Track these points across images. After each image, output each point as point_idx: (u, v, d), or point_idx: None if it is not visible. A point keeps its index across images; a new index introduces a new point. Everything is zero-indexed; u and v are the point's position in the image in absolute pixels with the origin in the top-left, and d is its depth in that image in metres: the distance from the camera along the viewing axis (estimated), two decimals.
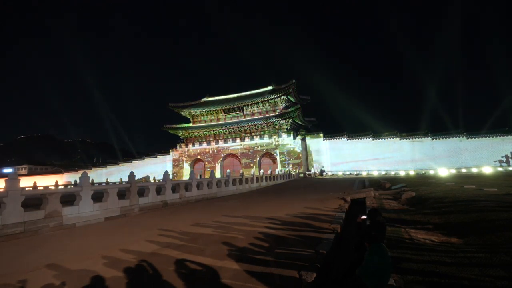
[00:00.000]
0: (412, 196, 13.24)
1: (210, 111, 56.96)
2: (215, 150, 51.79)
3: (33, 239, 8.07)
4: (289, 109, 48.29)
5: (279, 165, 45.95)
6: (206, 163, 52.43)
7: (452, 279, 3.97)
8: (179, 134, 58.58)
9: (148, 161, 60.41)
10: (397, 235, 6.65)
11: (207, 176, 45.49)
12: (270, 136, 48.02)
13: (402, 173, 36.12)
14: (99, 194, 11.56)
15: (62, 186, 37.14)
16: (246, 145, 49.14)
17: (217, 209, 12.81)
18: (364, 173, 39.72)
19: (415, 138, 41.67)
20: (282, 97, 50.30)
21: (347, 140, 45.23)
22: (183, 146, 55.52)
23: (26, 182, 31.96)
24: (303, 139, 47.03)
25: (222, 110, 55.85)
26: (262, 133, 50.48)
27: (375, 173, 39.01)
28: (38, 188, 26.14)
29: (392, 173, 38.55)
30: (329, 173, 43.62)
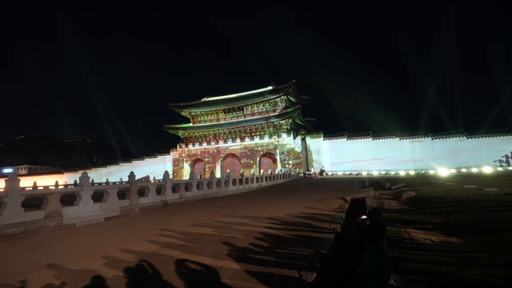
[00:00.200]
0: (412, 196, 13.24)
1: (210, 111, 56.95)
2: (215, 150, 51.78)
3: (33, 239, 8.07)
4: (289, 109, 48.27)
5: (279, 165, 45.95)
6: (206, 163, 52.42)
7: (452, 279, 3.97)
8: (179, 134, 58.58)
9: (148, 161, 60.40)
10: (397, 235, 6.65)
11: (207, 176, 45.50)
12: (270, 136, 48.02)
13: (402, 173, 36.12)
14: (99, 194, 11.57)
15: (62, 186, 37.14)
16: (246, 145, 49.14)
17: (217, 209, 12.81)
18: (364, 173, 39.71)
19: (415, 138, 41.66)
20: (282, 97, 50.28)
21: (347, 140, 45.22)
22: (183, 146, 55.51)
23: (26, 182, 31.95)
24: (303, 139, 47.02)
25: (222, 110, 55.84)
26: (262, 133, 50.47)
27: (375, 173, 39.00)
28: (38, 188, 26.14)
29: (392, 173, 38.55)
30: (329, 173, 43.61)
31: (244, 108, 54.01)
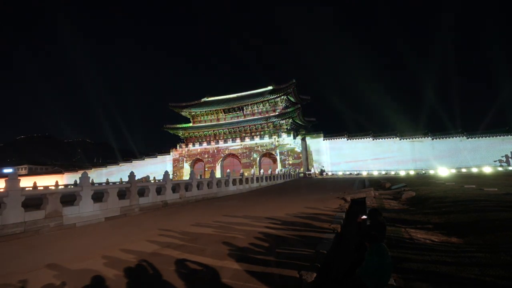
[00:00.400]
0: (412, 196, 13.24)
1: (210, 111, 56.96)
2: (215, 150, 51.79)
3: (33, 239, 8.08)
4: (289, 109, 48.28)
5: (279, 165, 45.95)
6: (206, 163, 52.42)
7: (452, 279, 3.97)
8: (179, 134, 58.59)
9: (148, 161, 60.41)
10: (397, 235, 6.65)
11: (207, 176, 45.49)
12: (270, 136, 48.02)
13: (402, 173, 36.12)
14: (99, 194, 11.57)
15: (62, 186, 37.14)
16: (246, 145, 49.14)
17: (217, 209, 12.81)
18: (364, 173, 39.71)
19: (415, 138, 41.66)
20: (282, 97, 50.28)
21: (347, 140, 45.22)
22: (183, 146, 55.52)
23: (26, 182, 31.95)
24: (303, 139, 47.02)
25: (222, 110, 55.84)
26: (262, 133, 50.48)
27: (375, 173, 39.00)
28: (38, 188, 26.14)
29: (392, 173, 38.55)
30: (329, 173, 43.60)
31: (244, 108, 54.01)
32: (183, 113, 59.51)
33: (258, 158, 48.19)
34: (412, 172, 36.28)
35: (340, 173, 43.07)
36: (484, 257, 4.75)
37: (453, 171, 33.94)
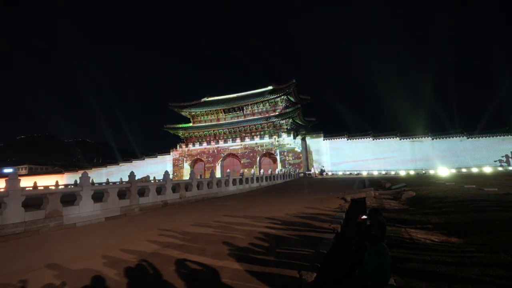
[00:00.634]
0: (412, 196, 13.23)
1: (210, 111, 56.96)
2: (215, 150, 51.78)
3: (33, 239, 8.08)
4: (289, 109, 48.28)
5: (279, 165, 45.94)
6: (206, 163, 52.41)
7: (452, 279, 3.98)
8: (179, 134, 58.60)
9: (148, 161, 60.40)
10: (397, 235, 6.65)
11: (207, 176, 45.48)
12: (270, 136, 48.02)
13: (402, 173, 36.12)
14: (99, 194, 11.57)
15: (63, 186, 37.15)
16: (246, 145, 49.14)
17: (217, 209, 12.81)
18: (364, 173, 39.71)
19: (415, 138, 41.66)
20: (282, 97, 50.29)
21: (347, 140, 45.22)
22: (183, 146, 55.52)
23: (26, 182, 31.95)
24: (303, 139, 47.02)
25: (222, 110, 55.85)
26: (262, 133, 50.48)
27: (375, 173, 39.00)
28: (39, 188, 26.15)
29: (393, 173, 38.55)
30: (329, 173, 43.60)
31: (244, 108, 54.02)
32: (183, 113, 59.52)
33: (258, 158, 48.19)
34: (412, 172, 36.28)
35: (340, 173, 43.07)
36: (484, 257, 4.75)
37: (453, 171, 33.94)
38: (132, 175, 12.97)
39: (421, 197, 12.53)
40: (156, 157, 59.81)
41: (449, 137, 39.79)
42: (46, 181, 52.90)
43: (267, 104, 52.49)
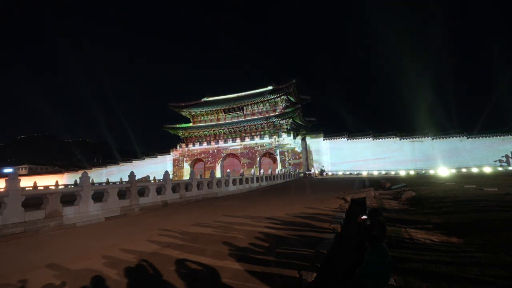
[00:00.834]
0: (412, 196, 13.23)
1: (210, 111, 56.94)
2: (215, 150, 51.78)
3: (33, 239, 8.08)
4: (289, 109, 48.27)
5: (279, 165, 45.94)
6: (206, 163, 52.40)
7: (452, 279, 3.98)
8: (179, 134, 58.59)
9: (148, 161, 60.40)
10: (397, 235, 6.65)
11: (207, 176, 45.48)
12: (270, 136, 48.02)
13: (402, 173, 36.11)
14: (99, 194, 11.57)
15: (63, 186, 37.14)
16: (246, 145, 49.13)
17: (217, 209, 12.81)
18: (364, 173, 39.70)
19: (415, 138, 41.66)
20: (282, 97, 50.27)
21: (347, 140, 45.22)
22: (183, 146, 55.50)
23: (26, 182, 31.94)
24: (303, 139, 47.02)
25: (222, 110, 55.83)
26: (262, 133, 50.47)
27: (375, 173, 38.99)
28: (39, 188, 26.15)
29: (393, 173, 38.55)
30: (329, 173, 43.60)
31: (244, 108, 54.01)
32: (183, 113, 59.51)
33: (258, 158, 48.18)
34: (412, 172, 36.28)
35: (340, 173, 43.06)
36: (484, 257, 4.75)
37: (453, 171, 33.94)
38: (132, 175, 12.97)
39: (421, 197, 12.53)
40: (156, 157, 59.81)
41: (449, 137, 39.79)
42: (46, 181, 52.90)
43: (267, 104, 52.48)
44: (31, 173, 75.90)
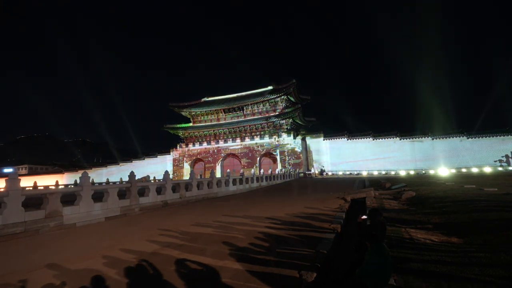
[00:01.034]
0: (412, 196, 13.23)
1: (210, 111, 56.96)
2: (215, 150, 51.78)
3: (33, 239, 8.08)
4: (289, 109, 48.28)
5: (279, 165, 45.95)
6: (206, 163, 52.41)
7: (452, 279, 3.98)
8: (179, 134, 58.61)
9: (148, 161, 60.42)
10: (398, 235, 6.65)
11: (207, 176, 45.49)
12: (270, 136, 48.02)
13: (402, 173, 36.12)
14: (99, 194, 11.57)
15: (63, 186, 37.15)
16: (246, 145, 49.14)
17: (217, 209, 12.82)
18: (364, 173, 39.71)
19: (415, 138, 41.67)
20: (282, 97, 50.28)
21: (347, 140, 45.23)
22: (183, 146, 55.51)
23: (26, 182, 31.95)
24: (303, 139, 47.03)
25: (222, 110, 55.85)
26: (262, 133, 50.48)
27: (375, 173, 39.00)
28: (39, 188, 26.16)
29: (393, 173, 38.55)
30: (329, 173, 43.61)
31: (244, 108, 54.02)
32: (183, 113, 59.52)
33: (258, 158, 48.19)
34: (412, 172, 36.29)
35: (340, 173, 43.07)
36: (484, 257, 4.75)
37: (453, 171, 33.96)
38: (132, 175, 12.97)
39: (421, 197, 12.53)
40: (156, 157, 59.84)
41: (449, 137, 39.80)
42: (46, 181, 52.91)
43: (267, 104, 52.49)
44: (31, 173, 75.93)
